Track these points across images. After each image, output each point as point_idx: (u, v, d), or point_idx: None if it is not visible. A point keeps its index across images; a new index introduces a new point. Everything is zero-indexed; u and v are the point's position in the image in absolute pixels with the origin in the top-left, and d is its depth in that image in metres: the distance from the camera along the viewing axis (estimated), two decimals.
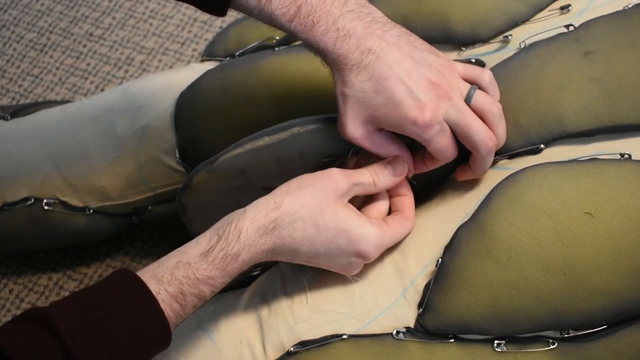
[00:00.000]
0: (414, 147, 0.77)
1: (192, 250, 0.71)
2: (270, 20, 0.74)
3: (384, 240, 0.75)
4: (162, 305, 0.67)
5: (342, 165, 0.78)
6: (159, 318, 0.67)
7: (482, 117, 0.74)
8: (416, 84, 0.71)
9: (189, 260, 0.70)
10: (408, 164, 0.77)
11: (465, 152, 0.76)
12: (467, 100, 0.73)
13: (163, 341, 0.68)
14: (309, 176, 0.74)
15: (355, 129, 0.73)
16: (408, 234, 0.78)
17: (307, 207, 0.72)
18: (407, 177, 0.78)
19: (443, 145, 0.73)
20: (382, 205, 0.78)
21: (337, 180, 0.73)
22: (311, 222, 0.72)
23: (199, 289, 0.69)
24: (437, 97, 0.71)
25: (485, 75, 0.75)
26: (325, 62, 0.74)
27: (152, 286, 0.67)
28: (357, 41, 0.71)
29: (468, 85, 0.74)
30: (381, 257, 0.77)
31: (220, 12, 0.77)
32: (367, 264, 0.77)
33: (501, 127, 0.75)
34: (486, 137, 0.73)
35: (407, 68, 0.71)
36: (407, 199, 0.78)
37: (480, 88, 0.75)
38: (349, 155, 0.78)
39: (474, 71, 0.75)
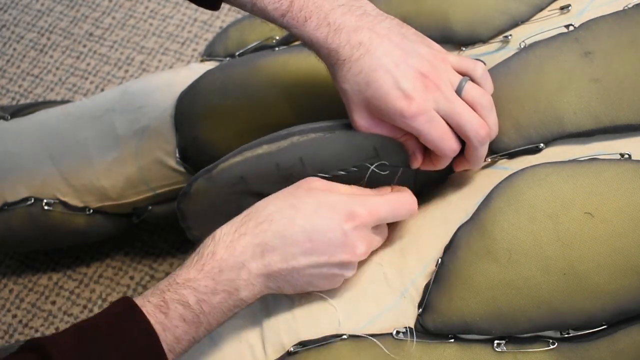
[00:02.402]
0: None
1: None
2: (263, 14, 0.74)
3: (371, 200, 0.72)
4: (149, 318, 0.66)
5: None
6: (148, 336, 0.65)
7: (473, 109, 0.73)
8: (404, 74, 0.71)
9: (171, 273, 0.70)
10: (417, 152, 0.76)
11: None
12: (458, 91, 0.73)
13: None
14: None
15: (363, 121, 0.74)
16: (409, 211, 0.75)
17: (279, 196, 0.72)
18: (416, 169, 0.78)
19: (436, 136, 0.72)
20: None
21: (311, 179, 0.74)
22: (286, 204, 0.71)
23: (180, 293, 0.68)
24: (425, 87, 0.71)
25: (477, 68, 0.75)
26: (319, 56, 0.75)
27: (139, 301, 0.67)
28: (347, 35, 0.72)
29: (459, 77, 0.74)
30: (381, 257, 0.77)
31: (214, 7, 0.77)
32: (367, 265, 0.77)
33: (492, 119, 0.74)
34: (478, 126, 0.73)
35: (395, 59, 0.71)
36: (401, 189, 0.77)
37: (473, 80, 0.75)
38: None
39: (466, 63, 0.75)
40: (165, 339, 0.66)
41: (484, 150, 0.75)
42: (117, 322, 0.66)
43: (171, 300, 0.67)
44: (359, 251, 0.72)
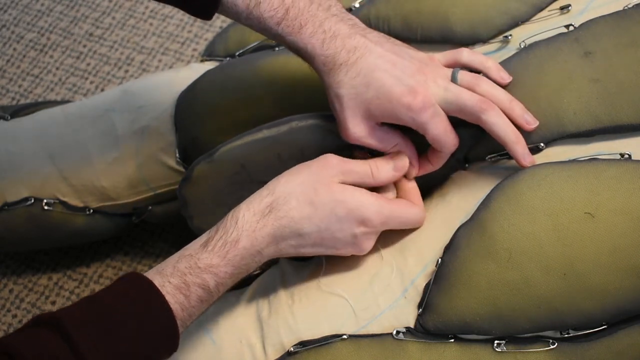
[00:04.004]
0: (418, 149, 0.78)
1: (192, 245, 0.73)
2: (258, 23, 0.76)
3: (385, 210, 0.74)
4: (167, 298, 0.68)
5: None
6: (166, 313, 0.67)
7: (474, 91, 0.75)
8: (402, 72, 0.73)
9: (190, 252, 0.72)
10: (413, 160, 0.77)
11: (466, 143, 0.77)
12: (453, 80, 0.75)
13: (171, 337, 0.68)
14: (303, 164, 0.76)
15: (356, 127, 0.75)
16: (416, 224, 0.77)
17: (300, 187, 0.73)
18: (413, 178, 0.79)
19: (441, 130, 0.74)
20: (386, 191, 0.78)
21: (331, 163, 0.75)
22: (306, 200, 0.73)
23: (201, 277, 0.70)
24: (425, 81, 0.74)
25: (463, 53, 0.78)
26: (313, 66, 0.76)
27: (157, 280, 0.69)
28: (342, 41, 0.74)
29: (450, 70, 0.77)
30: (381, 257, 0.77)
31: (207, 16, 0.78)
32: (367, 264, 0.77)
33: (498, 91, 0.75)
34: (479, 100, 0.74)
35: (391, 59, 0.74)
36: (412, 190, 0.78)
37: (463, 65, 0.77)
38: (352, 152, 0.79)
39: (451, 55, 0.78)
40: (182, 317, 0.69)
41: (502, 119, 0.74)
42: (135, 301, 0.67)
43: (193, 283, 0.70)
44: (364, 250, 0.76)
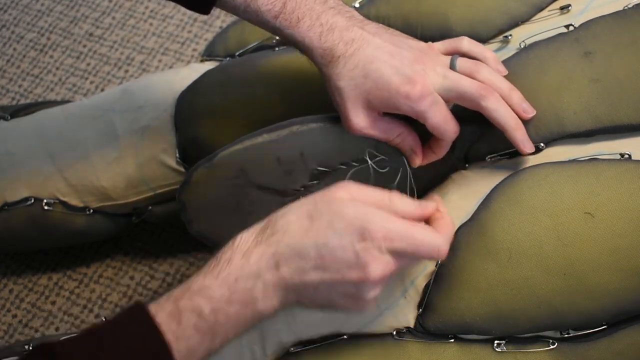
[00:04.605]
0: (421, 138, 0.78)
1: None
2: (255, 17, 0.76)
3: (391, 225, 0.63)
4: (161, 327, 0.62)
5: (337, 176, 0.78)
6: (156, 342, 0.62)
7: (473, 78, 0.74)
8: (400, 62, 0.73)
9: (187, 280, 0.66)
10: (416, 149, 0.77)
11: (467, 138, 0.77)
12: (452, 67, 0.75)
13: None
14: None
15: (358, 119, 0.74)
16: (432, 253, 0.65)
17: (302, 204, 0.66)
18: (416, 167, 0.78)
19: (441, 118, 0.73)
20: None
21: (340, 184, 0.66)
22: (304, 214, 0.64)
23: (194, 301, 0.63)
24: (424, 70, 0.73)
25: (463, 42, 0.77)
26: (311, 59, 0.76)
27: (153, 308, 0.63)
28: (340, 33, 0.74)
29: (449, 57, 0.76)
30: None
31: (205, 10, 0.78)
32: None
33: (497, 78, 0.75)
34: (479, 87, 0.73)
35: (389, 50, 0.73)
36: (441, 220, 0.68)
37: (464, 54, 0.77)
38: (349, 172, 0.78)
39: (451, 43, 0.78)
40: (179, 348, 0.62)
41: (501, 106, 0.73)
42: (128, 331, 0.63)
43: (185, 308, 0.63)
44: (372, 272, 0.63)
